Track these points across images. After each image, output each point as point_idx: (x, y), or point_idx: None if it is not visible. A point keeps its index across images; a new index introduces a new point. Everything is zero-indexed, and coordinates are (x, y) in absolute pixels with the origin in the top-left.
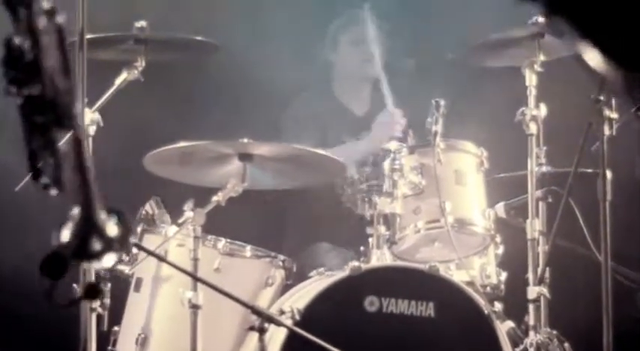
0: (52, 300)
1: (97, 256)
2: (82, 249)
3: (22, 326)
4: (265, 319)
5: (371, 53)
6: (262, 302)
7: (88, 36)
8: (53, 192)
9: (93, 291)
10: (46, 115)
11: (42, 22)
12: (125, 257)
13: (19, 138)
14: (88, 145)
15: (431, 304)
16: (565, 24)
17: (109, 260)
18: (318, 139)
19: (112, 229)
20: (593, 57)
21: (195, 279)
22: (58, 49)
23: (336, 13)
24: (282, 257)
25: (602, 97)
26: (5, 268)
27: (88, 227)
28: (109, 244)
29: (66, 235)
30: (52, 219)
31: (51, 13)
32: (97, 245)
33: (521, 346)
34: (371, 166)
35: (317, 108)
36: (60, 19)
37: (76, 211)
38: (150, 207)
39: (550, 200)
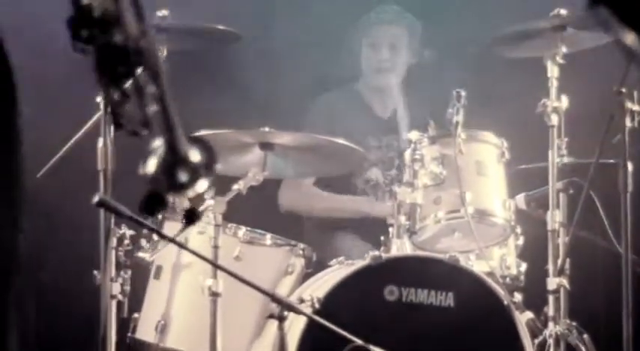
0: (150, 210)
1: (187, 186)
2: (172, 182)
3: (43, 313)
4: (285, 307)
5: (387, 61)
6: (282, 290)
7: None
8: (143, 133)
9: (192, 214)
10: (128, 62)
11: None
12: (146, 244)
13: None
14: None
15: (450, 294)
16: (606, 11)
17: (201, 186)
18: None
19: (195, 156)
20: (633, 42)
21: (216, 266)
22: None
23: (367, 7)
24: (302, 245)
25: (624, 89)
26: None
27: (175, 159)
28: (196, 173)
29: (152, 167)
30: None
31: None
32: (184, 176)
33: (541, 337)
34: (396, 169)
35: (341, 107)
36: None
37: (159, 142)
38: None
39: (571, 192)
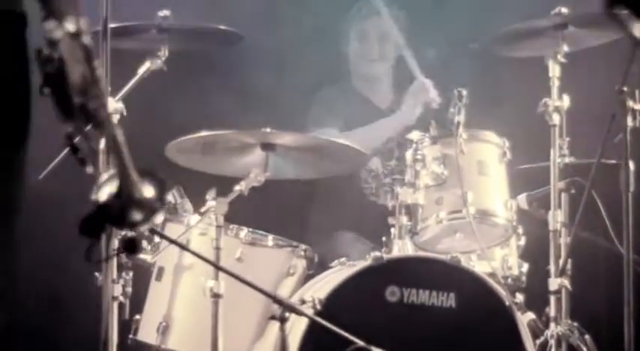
0: (89, 257)
1: (142, 223)
2: (126, 221)
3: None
4: (286, 308)
5: (376, 51)
6: (284, 292)
7: (112, 25)
8: (89, 169)
9: (132, 245)
10: (76, 117)
11: (66, 42)
12: (147, 246)
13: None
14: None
15: (452, 295)
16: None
17: (156, 220)
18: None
19: (149, 192)
20: None
21: (217, 268)
22: (85, 63)
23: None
24: (303, 247)
25: (625, 88)
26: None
27: (129, 201)
28: (151, 210)
29: (104, 197)
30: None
31: (77, 35)
32: (138, 215)
33: (542, 338)
34: (396, 160)
35: (339, 102)
36: (86, 39)
37: (111, 176)
38: (172, 196)
39: (573, 191)
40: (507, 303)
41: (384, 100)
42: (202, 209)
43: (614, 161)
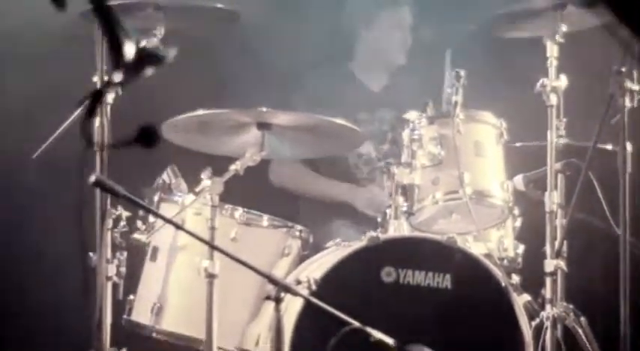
0: None
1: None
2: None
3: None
4: (281, 288)
5: (409, 41)
6: (279, 272)
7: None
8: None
9: (150, 134)
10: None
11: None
12: (142, 226)
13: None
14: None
15: (448, 276)
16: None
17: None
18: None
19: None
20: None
21: (212, 247)
22: None
23: None
24: (299, 227)
25: (623, 69)
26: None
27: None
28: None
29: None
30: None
31: None
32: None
33: (538, 320)
34: (389, 143)
35: (332, 83)
36: None
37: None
38: (167, 175)
39: (569, 173)
40: (503, 284)
41: (379, 83)
42: (197, 189)
43: (610, 147)
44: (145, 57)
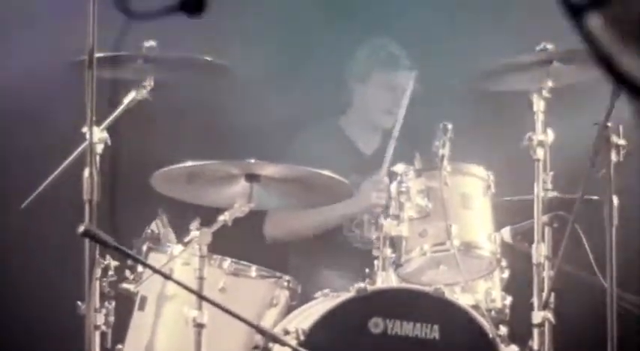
0: None
1: None
2: None
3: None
4: (270, 338)
5: (397, 104)
6: (267, 322)
7: (98, 54)
8: None
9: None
10: None
11: None
12: (130, 275)
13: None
14: (97, 163)
15: (436, 327)
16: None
17: None
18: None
19: None
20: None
21: (200, 297)
22: None
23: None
24: (287, 278)
25: (609, 124)
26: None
27: None
28: None
29: None
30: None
31: None
32: None
33: None
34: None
35: (322, 145)
36: None
37: None
38: (156, 226)
39: (556, 225)
40: (491, 335)
41: (370, 146)
42: (186, 239)
43: (596, 197)
44: None
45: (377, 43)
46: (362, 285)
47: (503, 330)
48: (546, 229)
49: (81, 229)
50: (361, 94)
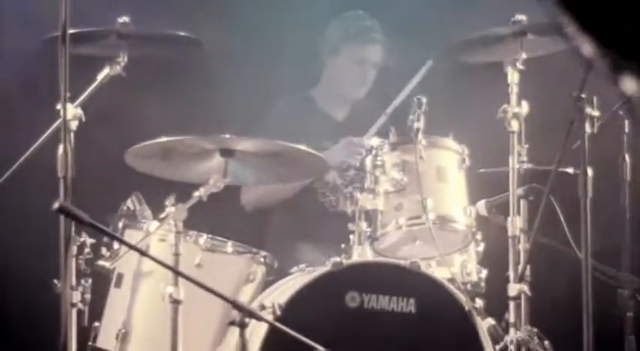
0: None
1: None
2: None
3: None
4: (246, 314)
5: (369, 78)
6: (243, 298)
7: (71, 31)
8: None
9: None
10: None
11: None
12: (106, 252)
13: None
14: (71, 140)
15: (412, 301)
16: (566, 19)
17: None
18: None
19: None
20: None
21: (176, 273)
22: None
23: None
24: (263, 253)
25: (583, 95)
26: None
27: None
28: None
29: None
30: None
31: None
32: None
33: (502, 344)
34: (354, 169)
35: (297, 113)
36: None
37: None
38: (131, 202)
39: (531, 198)
40: (467, 308)
41: (343, 112)
42: (161, 215)
43: (571, 170)
44: None
45: (348, 17)
46: (338, 259)
47: (480, 303)
48: (522, 201)
49: (56, 205)
50: (332, 67)
